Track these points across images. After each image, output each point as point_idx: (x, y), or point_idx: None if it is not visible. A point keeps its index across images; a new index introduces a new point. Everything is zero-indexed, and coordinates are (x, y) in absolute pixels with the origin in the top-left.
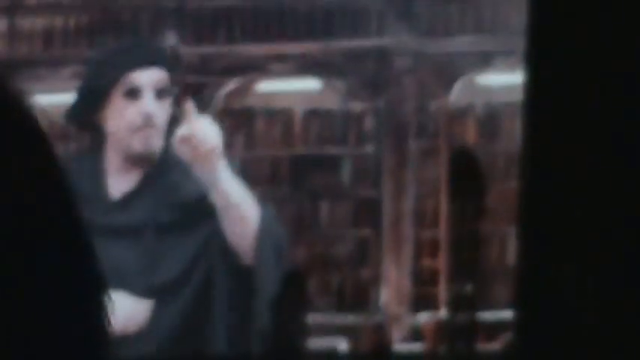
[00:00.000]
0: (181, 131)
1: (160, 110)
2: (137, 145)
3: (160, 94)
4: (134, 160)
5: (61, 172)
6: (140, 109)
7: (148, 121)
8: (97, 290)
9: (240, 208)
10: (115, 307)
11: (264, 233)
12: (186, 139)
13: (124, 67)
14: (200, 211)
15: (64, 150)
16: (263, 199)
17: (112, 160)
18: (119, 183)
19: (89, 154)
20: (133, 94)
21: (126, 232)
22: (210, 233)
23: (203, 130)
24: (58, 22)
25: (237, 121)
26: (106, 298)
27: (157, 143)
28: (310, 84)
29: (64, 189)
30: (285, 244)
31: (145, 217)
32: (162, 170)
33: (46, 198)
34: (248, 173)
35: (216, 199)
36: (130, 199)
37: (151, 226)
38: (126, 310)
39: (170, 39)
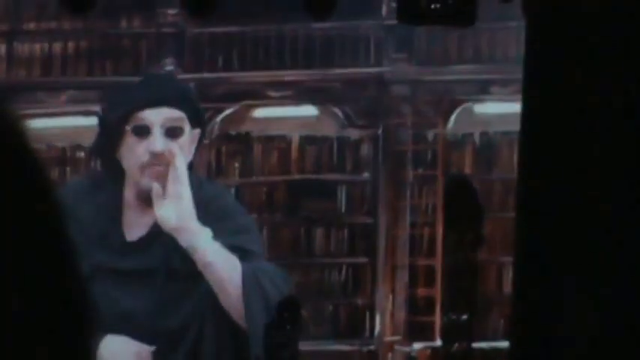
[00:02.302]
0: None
1: (173, 148)
2: (146, 183)
3: (172, 132)
4: (145, 197)
5: (54, 198)
6: (148, 146)
7: (156, 159)
8: (82, 327)
9: (221, 270)
10: (119, 351)
11: (250, 293)
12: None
13: (133, 104)
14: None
15: (60, 172)
16: (259, 223)
17: (128, 197)
18: (135, 223)
19: (110, 187)
20: (142, 131)
21: (137, 276)
22: (206, 287)
23: (160, 217)
24: (57, 47)
25: (234, 147)
26: (91, 337)
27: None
28: (308, 111)
29: (56, 215)
30: (272, 297)
31: (156, 263)
32: None
33: (36, 221)
34: (244, 198)
35: (197, 264)
36: (144, 243)
37: (162, 272)
38: (129, 355)
39: (169, 65)
